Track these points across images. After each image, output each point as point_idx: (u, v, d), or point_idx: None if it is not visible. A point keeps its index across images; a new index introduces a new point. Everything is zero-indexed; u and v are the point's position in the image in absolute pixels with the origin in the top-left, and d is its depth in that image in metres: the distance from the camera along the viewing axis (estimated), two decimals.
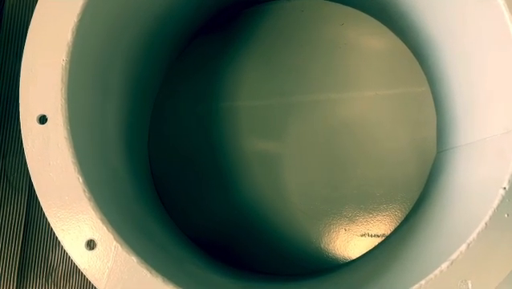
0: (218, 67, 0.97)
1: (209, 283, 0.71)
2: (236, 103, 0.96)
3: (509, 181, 0.54)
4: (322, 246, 0.91)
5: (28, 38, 0.59)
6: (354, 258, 0.90)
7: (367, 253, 0.88)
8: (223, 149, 0.95)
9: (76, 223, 0.56)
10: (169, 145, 0.96)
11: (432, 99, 0.91)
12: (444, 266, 0.54)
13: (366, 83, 0.93)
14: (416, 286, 0.54)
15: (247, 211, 0.93)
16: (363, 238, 0.90)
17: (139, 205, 0.76)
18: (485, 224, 0.54)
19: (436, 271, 0.54)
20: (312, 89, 0.94)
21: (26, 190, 0.92)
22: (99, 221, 0.56)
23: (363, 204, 0.91)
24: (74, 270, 0.92)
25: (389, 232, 0.89)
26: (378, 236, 0.90)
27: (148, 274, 0.55)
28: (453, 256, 0.54)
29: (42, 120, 0.57)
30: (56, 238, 0.92)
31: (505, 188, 0.54)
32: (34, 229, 0.92)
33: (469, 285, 0.54)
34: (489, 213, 0.54)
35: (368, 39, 0.95)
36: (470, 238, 0.54)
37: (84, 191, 0.56)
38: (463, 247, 0.54)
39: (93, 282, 0.56)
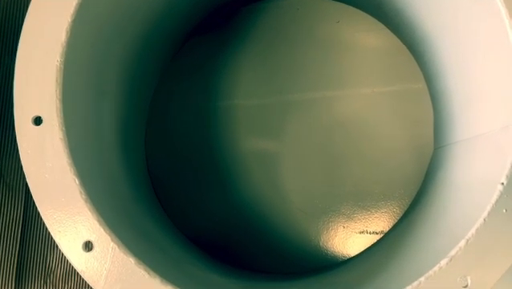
0: (214, 66, 0.97)
1: (208, 283, 0.70)
2: (233, 102, 0.95)
3: (507, 176, 0.54)
4: (320, 243, 0.91)
5: (22, 38, 0.59)
6: (353, 255, 0.90)
7: (365, 250, 0.88)
8: (220, 148, 0.94)
9: (73, 225, 0.56)
10: (166, 145, 0.96)
11: (429, 95, 0.91)
12: (443, 262, 0.54)
13: (362, 80, 0.93)
14: (416, 283, 0.54)
15: (245, 210, 0.93)
16: (361, 235, 0.90)
17: (136, 206, 0.75)
18: (484, 220, 0.54)
19: (436, 268, 0.54)
20: (309, 87, 0.94)
21: (22, 192, 0.92)
22: (95, 222, 0.56)
23: (361, 201, 0.91)
24: (72, 272, 0.91)
25: (387, 229, 0.90)
26: (376, 233, 0.90)
27: (146, 275, 0.55)
28: (452, 252, 0.54)
29: (38, 121, 0.57)
30: (54, 239, 0.92)
31: (503, 183, 0.54)
32: (31, 230, 0.91)
33: (469, 281, 0.53)
34: (488, 208, 0.54)
35: (364, 36, 0.95)
36: (469, 234, 0.54)
37: (81, 192, 0.56)
38: (462, 243, 0.54)
39: (91, 284, 0.56)
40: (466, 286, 0.54)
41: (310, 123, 0.93)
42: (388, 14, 0.89)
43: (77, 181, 0.56)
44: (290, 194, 0.92)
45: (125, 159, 0.80)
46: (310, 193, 0.92)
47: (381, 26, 0.95)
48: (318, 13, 0.96)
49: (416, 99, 0.92)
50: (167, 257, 0.68)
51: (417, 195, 0.88)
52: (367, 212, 0.91)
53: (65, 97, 0.58)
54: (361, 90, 0.93)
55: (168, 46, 0.95)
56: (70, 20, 0.58)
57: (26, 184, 0.91)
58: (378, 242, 0.88)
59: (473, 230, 0.54)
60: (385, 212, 0.90)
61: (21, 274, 0.91)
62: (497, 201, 0.54)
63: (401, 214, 0.90)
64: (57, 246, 0.91)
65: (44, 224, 0.87)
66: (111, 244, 0.55)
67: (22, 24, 0.59)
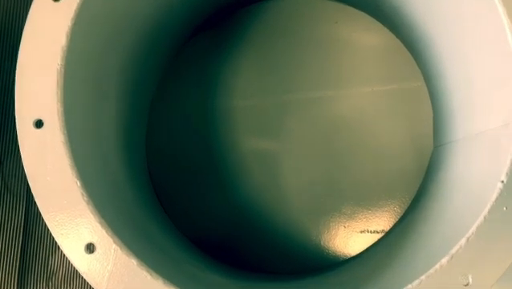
0: (214, 66, 0.97)
1: (210, 284, 0.71)
2: (233, 103, 0.96)
3: (507, 174, 0.54)
4: (322, 243, 0.91)
5: (23, 42, 0.59)
6: (354, 254, 0.90)
7: (367, 249, 0.88)
8: (220, 149, 0.95)
9: (75, 227, 0.56)
10: (167, 146, 0.96)
11: (428, 93, 0.91)
12: (444, 260, 0.54)
13: (361, 79, 0.94)
14: (417, 281, 0.54)
15: (246, 210, 0.93)
16: (362, 234, 0.90)
17: (137, 207, 0.75)
18: (484, 217, 0.54)
19: (437, 266, 0.54)
20: (308, 87, 0.94)
21: (24, 195, 0.92)
22: (98, 224, 0.56)
23: (361, 200, 0.91)
24: (74, 274, 0.91)
25: (389, 228, 0.90)
26: (377, 232, 0.90)
27: (149, 277, 0.55)
28: (453, 250, 0.54)
29: (39, 124, 0.57)
30: (56, 242, 0.92)
31: (503, 181, 0.54)
32: (33, 233, 0.92)
33: (470, 279, 0.54)
34: (488, 206, 0.54)
35: (363, 36, 0.95)
36: (469, 232, 0.54)
37: (82, 195, 0.56)
38: (462, 241, 0.54)
39: (93, 285, 0.56)
40: (467, 284, 0.54)
41: (309, 122, 0.94)
42: (387, 14, 0.89)
43: (78, 184, 0.56)
44: (291, 194, 0.93)
45: (126, 161, 0.80)
46: (310, 192, 0.92)
47: (380, 25, 0.95)
48: (317, 13, 0.97)
49: (415, 98, 0.92)
50: (169, 258, 0.68)
51: (418, 194, 0.88)
52: (368, 211, 0.91)
53: (66, 100, 0.58)
54: (360, 89, 0.93)
55: (168, 48, 0.95)
56: (70, 24, 0.58)
57: (28, 187, 0.91)
58: (379, 241, 0.88)
59: (473, 228, 0.54)
60: (386, 211, 0.90)
61: (23, 277, 0.91)
62: (497, 198, 0.54)
63: (402, 213, 0.90)
64: (59, 249, 0.91)
65: (46, 226, 0.87)
66: (114, 246, 0.56)
67: (22, 28, 0.59)
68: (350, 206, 0.91)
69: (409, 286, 0.54)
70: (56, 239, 0.57)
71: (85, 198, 0.56)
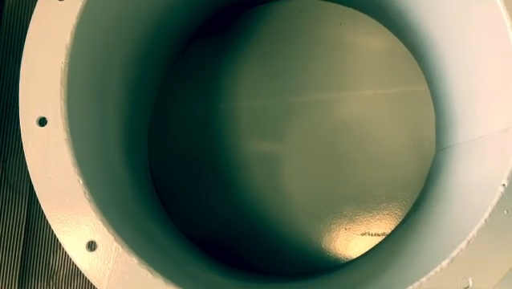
0: (217, 68, 0.97)
1: (210, 284, 0.71)
2: (235, 104, 0.96)
3: (508, 178, 0.54)
4: (322, 245, 0.91)
5: (27, 40, 0.59)
6: (354, 257, 0.90)
7: (367, 252, 0.88)
8: (223, 150, 0.95)
9: (77, 225, 0.56)
10: (169, 147, 0.96)
11: (431, 97, 0.91)
12: (444, 263, 0.54)
13: (365, 82, 0.94)
14: (417, 283, 0.54)
15: (247, 211, 0.93)
16: (363, 237, 0.90)
17: (139, 207, 0.76)
18: (485, 221, 0.54)
19: (437, 269, 0.54)
20: (311, 89, 0.95)
21: (26, 193, 0.92)
22: (99, 222, 0.56)
23: (363, 203, 0.91)
24: (75, 273, 0.92)
25: (389, 231, 0.90)
26: (378, 235, 0.90)
27: (149, 275, 0.55)
28: (454, 253, 0.54)
29: (42, 122, 0.57)
30: (57, 241, 0.92)
31: (504, 185, 0.54)
32: (35, 232, 0.92)
33: (470, 282, 0.54)
34: (489, 210, 0.54)
35: (367, 39, 0.95)
36: (470, 236, 0.54)
37: (84, 193, 0.56)
38: (463, 244, 0.54)
39: (94, 283, 0.56)
40: (467, 287, 0.54)
41: (312, 125, 0.94)
42: (391, 17, 0.89)
43: (81, 182, 0.56)
44: (293, 196, 0.93)
45: (128, 160, 0.80)
46: (312, 194, 0.92)
47: (383, 28, 0.95)
48: (321, 15, 0.97)
49: (418, 102, 0.92)
50: (169, 257, 0.68)
51: (419, 197, 0.88)
52: (369, 214, 0.91)
53: (69, 98, 0.58)
54: (363, 92, 0.93)
55: (172, 49, 0.95)
56: (74, 22, 0.58)
57: (30, 185, 0.92)
58: (380, 243, 0.88)
59: (474, 231, 0.54)
60: (387, 214, 0.90)
61: (24, 276, 0.91)
62: (498, 202, 0.54)
63: (403, 216, 0.90)
64: (60, 248, 0.92)
65: (47, 226, 0.87)
66: (115, 244, 0.56)
67: (27, 27, 0.59)
68: (351, 209, 0.91)
69: (410, 287, 0.54)
70: (58, 237, 0.57)
71: (87, 196, 0.56)
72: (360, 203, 0.91)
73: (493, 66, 0.63)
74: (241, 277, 0.83)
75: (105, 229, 0.56)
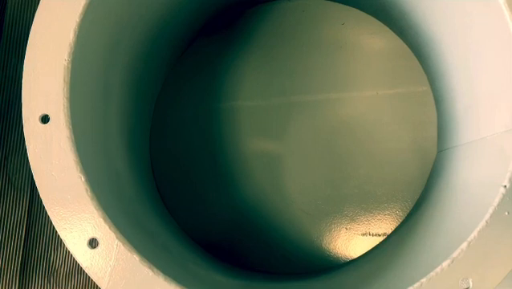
0: (219, 67, 0.97)
1: (211, 282, 0.71)
2: (237, 104, 0.96)
3: (509, 179, 0.54)
4: (323, 245, 0.91)
5: (30, 38, 0.59)
6: (355, 257, 0.90)
7: (368, 252, 0.88)
8: (224, 149, 0.95)
9: (78, 222, 0.57)
10: (171, 145, 0.97)
11: (433, 98, 0.91)
12: (445, 264, 0.54)
13: (367, 82, 0.94)
14: (417, 284, 0.54)
15: (249, 211, 0.93)
16: (364, 237, 0.90)
17: (140, 205, 0.76)
18: (486, 222, 0.54)
19: (438, 269, 0.54)
20: (313, 89, 0.95)
21: (28, 191, 0.92)
22: (101, 219, 0.56)
23: (364, 203, 0.91)
24: (76, 271, 0.92)
25: (390, 231, 0.90)
26: (379, 235, 0.90)
27: (150, 273, 0.56)
28: (454, 254, 0.54)
29: (45, 119, 0.58)
30: (58, 238, 0.92)
31: (505, 186, 0.54)
32: (36, 229, 0.92)
33: (470, 283, 0.54)
34: (490, 211, 0.54)
35: (369, 39, 0.95)
36: (471, 236, 0.54)
37: (86, 190, 0.57)
38: (464, 245, 0.54)
39: (95, 280, 0.56)
40: (468, 288, 0.54)
41: (313, 124, 0.94)
42: (393, 17, 0.89)
43: (83, 179, 0.57)
44: (293, 195, 0.93)
45: (129, 158, 0.80)
46: (313, 194, 0.92)
47: (386, 28, 0.95)
48: (323, 15, 0.97)
49: (420, 102, 0.92)
50: (170, 255, 0.69)
51: (420, 197, 0.88)
52: (370, 214, 0.91)
53: (72, 96, 0.58)
54: (365, 92, 0.93)
55: (175, 47, 0.95)
56: (78, 20, 0.59)
57: (32, 183, 0.92)
58: (380, 244, 0.88)
59: (475, 232, 0.54)
60: (388, 214, 0.90)
61: (25, 272, 0.91)
62: (499, 203, 0.54)
63: (404, 217, 0.90)
64: (61, 245, 0.92)
65: (49, 222, 0.87)
66: (116, 241, 0.56)
67: (29, 25, 0.59)
68: (352, 209, 0.91)
69: (410, 288, 0.54)
70: (59, 233, 0.57)
71: (89, 194, 0.56)
72: (361, 203, 0.91)
73: (496, 67, 0.63)
74: (241, 276, 0.83)
75: (107, 227, 0.56)
